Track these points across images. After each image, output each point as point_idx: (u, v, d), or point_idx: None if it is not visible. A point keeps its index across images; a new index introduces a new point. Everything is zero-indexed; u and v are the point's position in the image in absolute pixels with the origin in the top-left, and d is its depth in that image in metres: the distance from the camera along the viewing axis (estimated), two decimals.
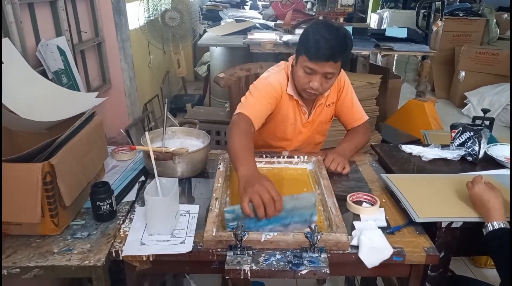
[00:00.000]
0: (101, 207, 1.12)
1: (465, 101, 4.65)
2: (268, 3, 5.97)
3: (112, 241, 1.05)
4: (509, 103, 4.18)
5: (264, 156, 1.46)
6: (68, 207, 1.08)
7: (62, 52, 1.76)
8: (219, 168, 1.34)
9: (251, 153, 1.22)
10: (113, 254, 1.01)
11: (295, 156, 1.45)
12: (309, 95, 1.47)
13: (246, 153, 1.21)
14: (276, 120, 1.56)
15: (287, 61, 1.57)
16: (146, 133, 1.17)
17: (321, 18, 3.23)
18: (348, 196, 1.21)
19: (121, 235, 1.07)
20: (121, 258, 1.01)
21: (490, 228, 1.02)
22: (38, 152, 1.02)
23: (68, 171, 1.06)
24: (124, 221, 1.13)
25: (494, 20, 5.25)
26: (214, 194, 1.17)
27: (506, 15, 5.89)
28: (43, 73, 1.61)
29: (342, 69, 1.54)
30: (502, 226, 1.01)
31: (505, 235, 1.00)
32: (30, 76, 1.38)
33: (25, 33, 1.53)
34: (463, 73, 4.80)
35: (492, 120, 1.71)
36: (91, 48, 2.21)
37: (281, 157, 1.45)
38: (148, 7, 3.37)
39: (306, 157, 1.44)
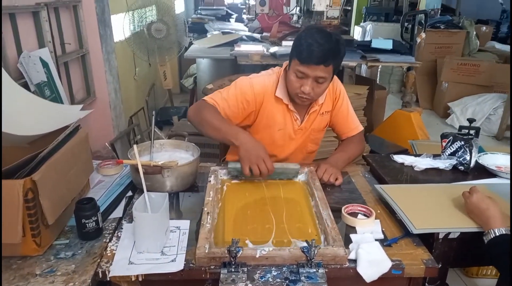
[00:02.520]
0: (87, 224, 1.06)
1: (448, 111, 4.73)
2: (253, 16, 6.01)
3: (99, 260, 0.99)
4: (492, 113, 4.26)
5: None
6: (51, 226, 1.02)
7: (45, 64, 1.71)
8: (210, 181, 1.30)
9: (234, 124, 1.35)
10: (100, 274, 0.95)
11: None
12: (302, 101, 1.45)
13: (231, 123, 1.36)
14: (262, 125, 1.54)
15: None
16: (134, 146, 1.13)
17: None
18: (343, 208, 1.18)
19: (108, 254, 1.01)
20: (108, 279, 0.96)
21: (492, 235, 1.01)
22: (19, 167, 0.97)
23: (51, 188, 1.00)
24: (111, 239, 1.08)
25: (474, 33, 5.40)
26: (205, 208, 1.13)
27: (484, 28, 6.08)
28: (25, 86, 1.55)
29: (337, 79, 1.53)
30: (504, 233, 1.00)
31: (507, 241, 0.99)
32: (11, 88, 1.32)
33: (6, 44, 1.48)
34: (446, 84, 4.89)
35: (478, 130, 1.72)
36: (75, 60, 2.16)
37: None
38: (134, 19, 3.34)
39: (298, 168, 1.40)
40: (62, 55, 1.98)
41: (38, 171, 0.96)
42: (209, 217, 1.09)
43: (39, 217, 0.98)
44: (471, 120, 1.72)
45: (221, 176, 1.37)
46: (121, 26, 3.15)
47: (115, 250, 1.02)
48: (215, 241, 1.02)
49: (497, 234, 1.01)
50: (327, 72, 1.36)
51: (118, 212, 1.22)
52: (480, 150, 1.57)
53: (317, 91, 1.41)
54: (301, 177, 1.41)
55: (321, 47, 1.32)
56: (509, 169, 1.45)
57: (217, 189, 1.28)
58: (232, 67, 3.16)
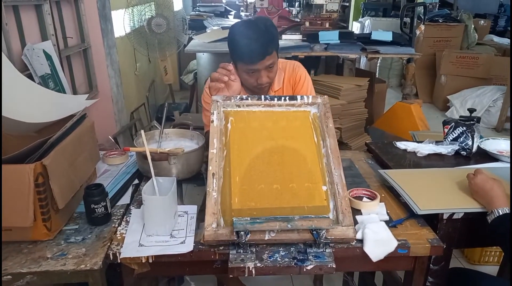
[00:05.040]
0: (96, 210, 1.07)
1: (448, 104, 4.74)
2: (250, 13, 6.01)
3: (109, 244, 1.00)
4: (491, 105, 4.28)
5: (263, 98, 1.25)
6: (61, 211, 1.03)
7: (48, 57, 1.72)
8: (213, 120, 1.15)
9: None
10: (111, 257, 0.97)
11: (298, 98, 1.26)
12: (263, 90, 1.52)
13: None
14: None
15: None
16: (142, 131, 1.14)
17: (307, 24, 3.26)
18: (348, 192, 1.19)
19: (118, 237, 1.03)
20: (119, 261, 0.97)
21: (496, 214, 1.02)
22: (29, 153, 0.98)
23: (60, 173, 1.02)
24: (120, 224, 1.09)
25: (472, 26, 5.41)
26: (210, 168, 1.05)
27: (482, 21, 6.09)
28: (30, 77, 1.56)
29: (302, 66, 1.63)
30: (507, 212, 1.01)
31: (507, 220, 1.00)
32: (17, 79, 1.33)
33: (10, 36, 1.49)
34: (445, 77, 4.91)
35: (478, 119, 1.73)
36: (77, 54, 2.17)
37: (282, 99, 1.26)
38: (133, 16, 3.34)
39: (310, 98, 1.26)
40: (65, 48, 1.99)
41: (48, 156, 0.97)
42: (214, 181, 1.04)
43: (50, 202, 0.99)
44: (471, 110, 1.74)
45: (224, 108, 1.23)
46: (121, 22, 3.16)
47: (125, 233, 1.04)
48: (222, 209, 1.01)
49: (501, 213, 1.02)
50: (272, 57, 1.43)
51: (125, 199, 1.23)
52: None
53: (271, 75, 1.48)
54: (312, 109, 1.26)
55: (258, 43, 1.38)
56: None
57: (221, 131, 1.16)
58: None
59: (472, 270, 1.33)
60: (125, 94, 2.71)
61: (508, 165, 1.42)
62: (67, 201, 1.04)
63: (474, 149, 1.48)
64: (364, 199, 1.19)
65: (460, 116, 1.70)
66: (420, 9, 3.57)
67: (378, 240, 0.99)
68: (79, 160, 1.14)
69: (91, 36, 2.24)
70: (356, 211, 1.14)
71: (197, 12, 5.65)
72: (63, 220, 1.08)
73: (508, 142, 1.57)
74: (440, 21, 5.24)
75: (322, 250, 0.97)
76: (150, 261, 0.97)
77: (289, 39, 3.37)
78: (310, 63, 3.27)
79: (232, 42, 1.44)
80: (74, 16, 2.14)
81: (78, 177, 1.13)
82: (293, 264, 0.93)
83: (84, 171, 1.19)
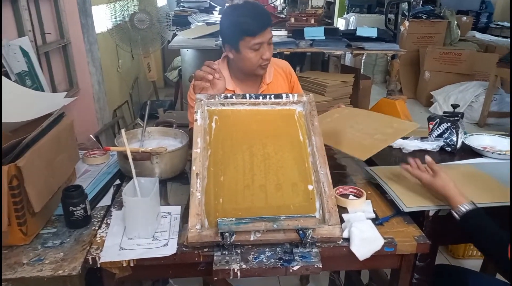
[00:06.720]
0: (74, 212, 1.03)
1: (431, 100, 4.80)
2: None
3: (88, 248, 0.97)
4: (474, 101, 4.34)
5: (248, 96, 1.23)
6: (37, 214, 0.99)
7: (25, 53, 1.66)
8: (197, 119, 1.12)
9: None
10: (90, 261, 0.93)
11: (284, 96, 1.24)
12: (263, 68, 1.53)
13: None
14: None
15: None
16: (122, 131, 1.10)
17: (292, 20, 3.24)
18: (334, 190, 1.18)
19: (98, 241, 0.99)
20: (98, 266, 0.94)
21: (463, 210, 1.02)
22: (2, 154, 0.93)
23: (36, 175, 0.97)
24: (100, 227, 1.06)
25: (455, 22, 5.48)
26: (194, 167, 1.02)
27: (465, 18, 6.17)
28: (5, 75, 1.50)
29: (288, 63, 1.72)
30: (470, 208, 1.02)
31: (476, 214, 1.01)
32: None
33: None
34: (428, 73, 4.96)
35: (462, 115, 1.74)
36: (56, 50, 2.11)
37: (268, 98, 1.24)
38: (115, 11, 3.26)
39: (296, 97, 1.24)
40: (43, 45, 1.93)
41: (23, 158, 0.93)
42: (198, 181, 1.01)
43: (25, 205, 0.95)
44: (455, 106, 1.75)
45: (208, 106, 1.21)
46: (103, 17, 3.08)
47: (105, 236, 1.00)
48: (206, 210, 0.98)
49: (465, 210, 1.02)
50: (271, 31, 1.48)
51: (106, 200, 1.19)
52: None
53: (271, 51, 1.51)
54: (298, 107, 1.24)
55: (261, 11, 1.47)
56: (494, 149, 1.48)
57: (205, 130, 1.13)
58: (217, 58, 3.12)
59: (457, 267, 1.33)
60: (107, 92, 2.65)
61: (493, 161, 1.43)
62: (43, 204, 1.00)
63: (458, 145, 1.49)
64: (351, 197, 1.18)
65: (444, 112, 1.71)
66: (404, 5, 3.60)
67: (364, 238, 0.98)
68: (57, 161, 1.10)
69: (70, 32, 2.18)
70: (342, 209, 1.13)
71: (181, 8, 5.57)
72: (40, 224, 1.04)
73: (492, 137, 1.58)
74: (424, 17, 5.29)
75: (308, 250, 0.95)
76: (132, 264, 0.94)
77: (274, 35, 3.32)
78: (296, 60, 3.25)
79: (232, 21, 1.46)
80: (53, 11, 2.07)
81: (56, 179, 1.09)
82: (279, 265, 0.92)
83: (62, 172, 1.14)
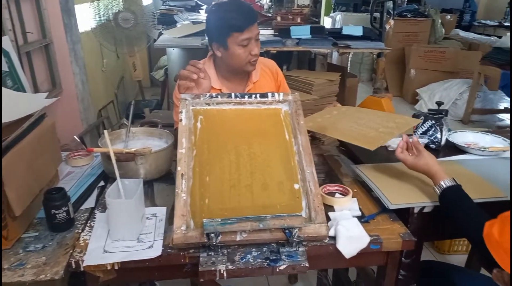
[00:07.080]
0: (57, 215, 1.01)
1: (417, 98, 4.85)
2: None
3: (71, 251, 0.95)
4: (458, 98, 4.41)
5: (233, 96, 1.22)
6: (18, 218, 0.97)
7: (5, 53, 1.62)
8: (181, 119, 1.11)
9: None
10: (73, 265, 0.92)
11: (269, 95, 1.23)
12: (252, 65, 1.53)
13: None
14: None
15: None
16: (105, 132, 1.08)
17: (278, 18, 3.23)
18: (321, 188, 1.18)
19: (81, 244, 0.97)
20: (82, 269, 0.92)
21: (443, 185, 1.07)
22: None
23: (17, 177, 0.95)
24: (83, 230, 1.04)
25: (440, 21, 5.55)
26: (179, 168, 1.01)
27: (449, 16, 6.26)
28: None
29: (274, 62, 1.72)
30: (450, 184, 1.07)
31: (456, 190, 1.07)
32: None
33: None
34: (414, 71, 5.02)
35: (446, 112, 1.77)
36: (38, 50, 2.06)
37: (253, 97, 1.23)
38: (99, 10, 3.22)
39: (281, 96, 1.23)
40: (24, 44, 1.89)
41: (2, 160, 0.91)
42: (184, 182, 1.00)
43: (5, 209, 0.93)
44: (439, 103, 1.77)
45: (193, 106, 1.19)
46: (86, 16, 3.03)
47: (89, 240, 0.98)
48: (192, 211, 0.97)
49: (449, 184, 1.07)
50: (258, 27, 1.49)
51: (90, 202, 1.17)
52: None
53: (259, 47, 1.52)
54: (283, 106, 1.24)
55: (249, 7, 1.47)
56: (478, 146, 1.51)
57: (190, 130, 1.12)
58: (204, 57, 3.10)
59: (442, 263, 1.35)
60: (92, 91, 2.61)
61: (477, 157, 1.45)
62: (24, 207, 0.98)
63: (442, 142, 1.50)
64: (337, 195, 1.18)
65: (429, 109, 1.73)
66: (390, 4, 3.62)
67: (350, 236, 0.98)
68: (39, 163, 1.08)
69: (53, 31, 2.13)
70: (328, 207, 1.13)
71: (167, 7, 5.51)
72: (21, 228, 1.02)
73: (475, 134, 1.61)
74: (409, 16, 5.35)
75: (295, 249, 0.95)
76: (116, 267, 0.92)
77: (260, 34, 3.33)
78: (283, 58, 3.25)
79: (219, 18, 1.46)
80: (35, 10, 2.03)
81: (37, 181, 1.07)
82: (265, 265, 0.91)
83: (44, 174, 1.12)
